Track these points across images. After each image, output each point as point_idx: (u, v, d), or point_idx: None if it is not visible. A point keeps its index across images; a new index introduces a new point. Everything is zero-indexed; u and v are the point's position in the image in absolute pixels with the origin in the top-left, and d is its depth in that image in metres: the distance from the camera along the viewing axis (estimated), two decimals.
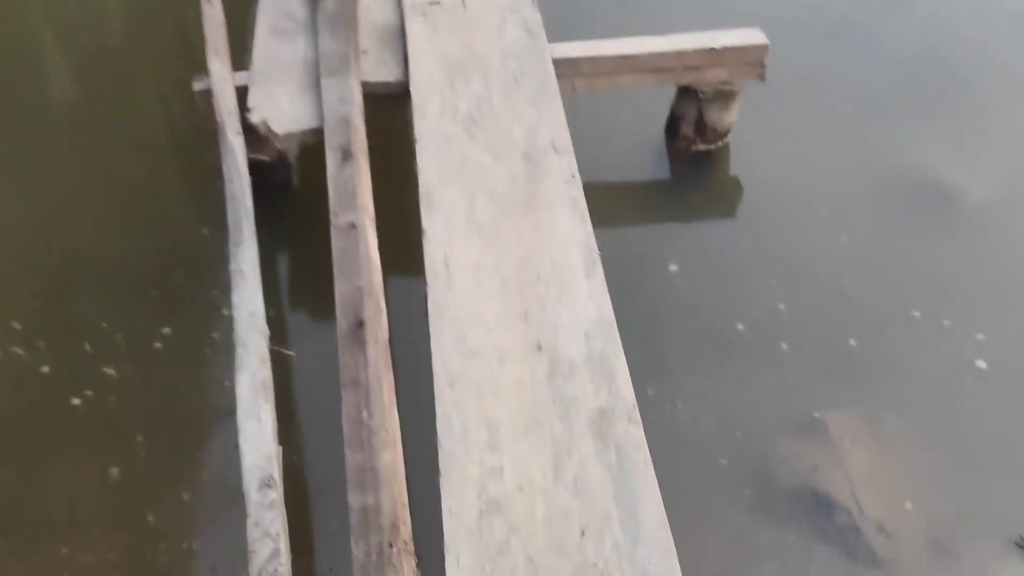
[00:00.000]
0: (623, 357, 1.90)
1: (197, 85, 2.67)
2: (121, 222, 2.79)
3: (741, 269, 2.71)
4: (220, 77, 2.59)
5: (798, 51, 3.45)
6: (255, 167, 2.70)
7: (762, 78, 2.88)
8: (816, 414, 2.19)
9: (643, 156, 3.14)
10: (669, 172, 3.14)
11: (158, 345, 2.39)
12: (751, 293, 2.62)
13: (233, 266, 2.05)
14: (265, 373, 1.81)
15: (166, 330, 2.42)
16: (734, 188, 3.07)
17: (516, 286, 2.04)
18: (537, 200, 2.24)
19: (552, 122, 2.45)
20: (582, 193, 2.26)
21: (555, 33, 2.81)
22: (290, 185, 2.91)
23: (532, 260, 2.10)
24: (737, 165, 3.12)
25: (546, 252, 2.11)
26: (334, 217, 2.14)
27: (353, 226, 2.10)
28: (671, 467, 1.79)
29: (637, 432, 1.77)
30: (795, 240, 2.81)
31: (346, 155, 2.29)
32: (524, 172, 2.31)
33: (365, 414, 1.71)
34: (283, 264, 2.70)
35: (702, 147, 3.04)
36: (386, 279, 2.10)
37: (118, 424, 2.24)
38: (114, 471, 2.16)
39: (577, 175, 2.30)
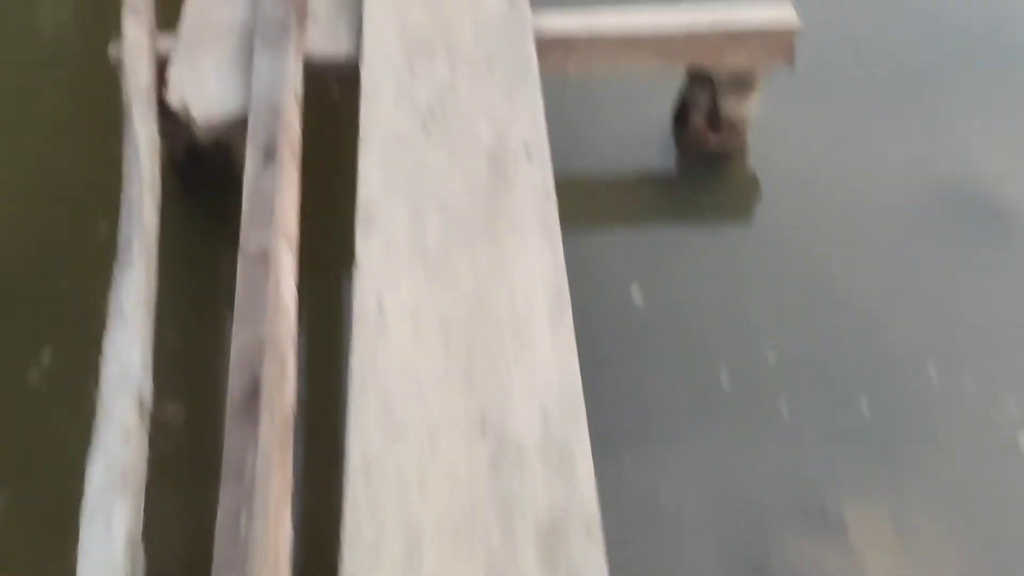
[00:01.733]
0: (587, 443, 1.50)
1: (113, 50, 2.24)
2: None
3: (741, 299, 2.29)
4: (135, 43, 2.15)
5: (830, 18, 2.95)
6: (188, 151, 2.28)
7: (790, 63, 2.41)
8: (829, 504, 1.79)
9: (643, 148, 2.69)
10: (674, 169, 2.69)
11: (33, 376, 2.00)
12: (748, 331, 2.21)
13: (112, 299, 1.65)
14: (129, 457, 1.42)
15: (44, 356, 2.03)
16: (747, 192, 2.62)
17: (463, 336, 1.63)
18: (500, 219, 1.81)
19: (527, 119, 2.01)
20: (556, 213, 1.83)
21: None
22: (234, 177, 2.49)
23: (487, 301, 1.68)
24: (754, 162, 2.67)
25: (505, 291, 1.70)
26: (243, 240, 1.72)
27: (265, 255, 1.69)
28: None
29: (596, 553, 1.37)
30: (812, 263, 2.38)
31: (269, 155, 1.86)
32: (488, 181, 1.88)
33: (243, 521, 1.32)
34: (204, 287, 2.26)
35: (716, 145, 2.58)
36: (304, 326, 1.69)
37: None
38: None
39: (552, 191, 1.87)
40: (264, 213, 1.75)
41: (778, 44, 2.36)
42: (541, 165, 1.92)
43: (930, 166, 2.62)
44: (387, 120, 1.99)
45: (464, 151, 1.92)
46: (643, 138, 2.72)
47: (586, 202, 2.48)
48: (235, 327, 1.60)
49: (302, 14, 2.24)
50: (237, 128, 2.07)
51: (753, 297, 2.31)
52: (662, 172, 2.69)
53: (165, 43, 2.26)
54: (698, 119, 2.55)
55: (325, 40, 2.24)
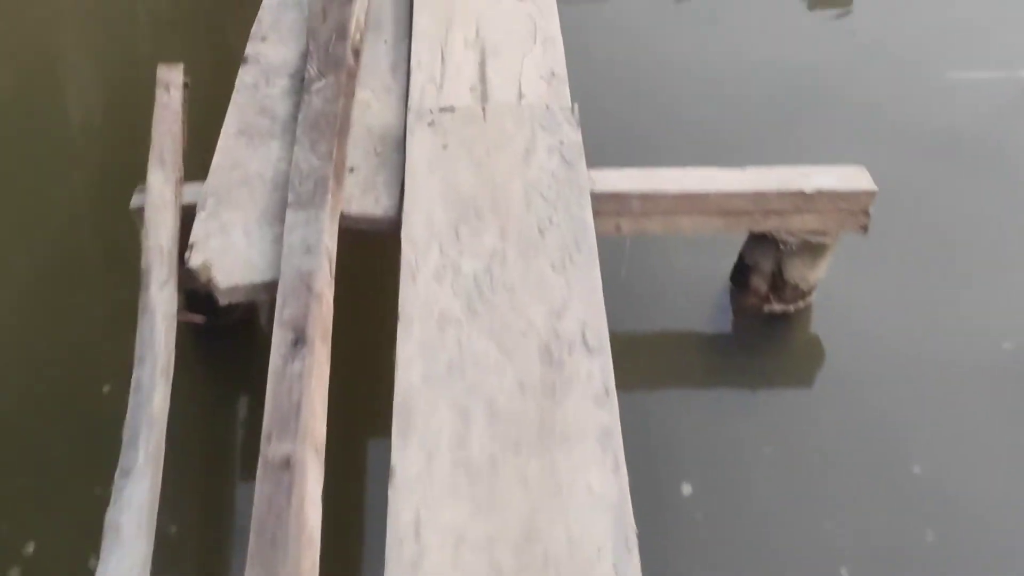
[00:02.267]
0: None
1: (135, 201, 2.08)
2: None
3: (801, 480, 2.06)
4: (159, 197, 1.99)
5: (899, 173, 2.79)
6: (208, 297, 2.10)
7: (865, 230, 2.22)
8: None
9: (696, 305, 2.49)
10: (730, 329, 2.49)
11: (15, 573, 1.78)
12: (812, 524, 1.97)
13: (109, 513, 1.43)
14: None
15: (29, 548, 1.80)
16: (809, 356, 2.41)
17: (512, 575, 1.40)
18: (555, 428, 1.60)
19: (584, 297, 1.81)
20: (617, 419, 1.61)
21: (595, 153, 2.18)
22: (255, 326, 2.30)
23: (540, 531, 1.46)
24: (817, 324, 2.46)
25: (560, 519, 1.47)
26: (265, 443, 1.51)
27: (288, 463, 1.48)
28: None
29: None
30: (881, 439, 2.16)
31: (299, 339, 1.67)
32: (541, 378, 1.67)
33: None
34: (213, 456, 2.05)
35: (778, 308, 2.38)
36: (329, 549, 1.47)
37: None
38: None
39: (612, 388, 1.66)
40: (289, 414, 1.55)
41: (852, 209, 2.18)
42: (600, 353, 1.71)
43: (1003, 330, 2.41)
44: (429, 296, 1.80)
45: (514, 339, 1.72)
46: (696, 294, 2.52)
47: (631, 365, 2.28)
48: (250, 557, 1.38)
49: (340, 168, 2.08)
50: (264, 293, 1.89)
51: (815, 476, 2.09)
52: (717, 333, 2.49)
53: (192, 191, 2.10)
54: (759, 283, 2.36)
55: (364, 196, 2.07)
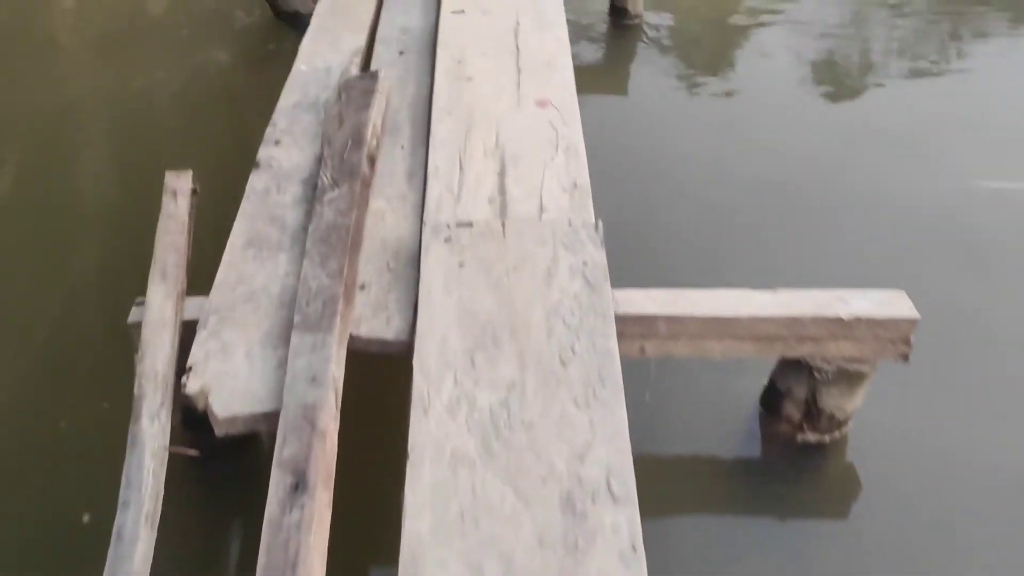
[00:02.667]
0: None
1: (133, 315, 1.97)
2: None
3: None
4: (158, 315, 1.88)
5: (931, 285, 2.67)
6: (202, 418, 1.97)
7: (905, 359, 2.09)
8: None
9: (724, 432, 2.35)
10: (759, 457, 2.33)
11: None
12: None
13: None
14: None
15: None
16: (843, 486, 2.26)
17: None
18: None
19: (610, 440, 1.67)
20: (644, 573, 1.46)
21: (618, 272, 2.07)
22: (258, 447, 2.17)
23: None
24: (854, 454, 2.31)
25: None
26: None
27: None
28: None
29: None
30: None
31: (299, 483, 1.53)
32: (562, 531, 1.52)
33: None
34: None
35: (812, 437, 2.23)
36: None
37: None
38: None
39: (640, 544, 1.51)
40: (285, 570, 1.40)
41: (893, 337, 2.05)
42: (626, 504, 1.57)
43: None
44: (441, 432, 1.67)
45: (533, 485, 1.58)
46: (724, 418, 2.38)
47: (655, 492, 2.12)
48: None
49: (351, 286, 1.97)
50: (264, 424, 1.76)
51: None
52: (745, 460, 2.33)
53: (194, 305, 1.99)
54: (792, 410, 2.22)
55: (375, 318, 1.96)
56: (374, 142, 2.46)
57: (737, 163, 3.47)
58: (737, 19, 4.77)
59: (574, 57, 2.95)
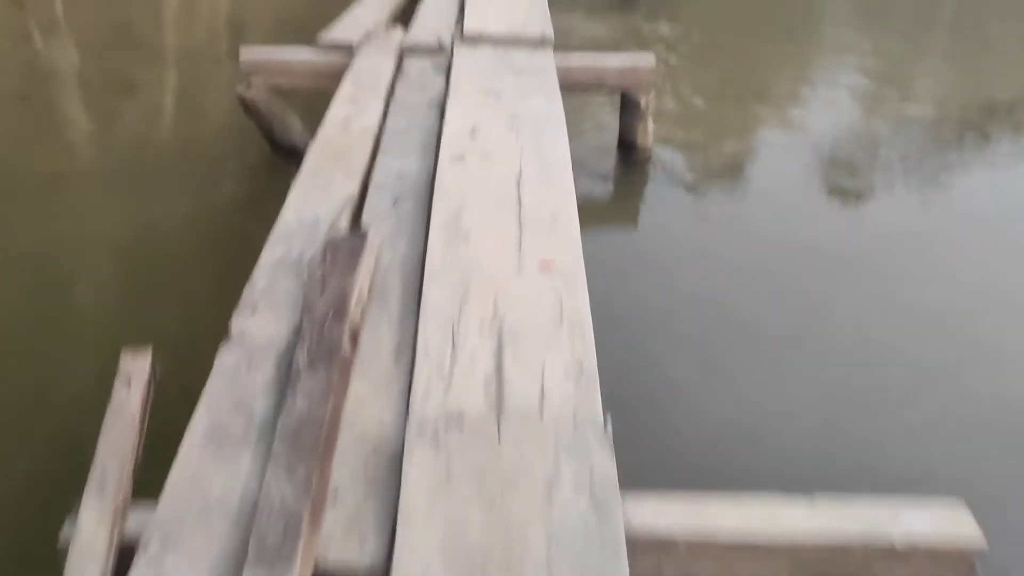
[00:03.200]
0: None
1: (64, 534, 1.69)
2: None
3: None
4: (88, 541, 1.59)
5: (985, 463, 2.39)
6: None
7: None
8: None
9: None
10: None
11: None
12: None
13: None
14: None
15: None
16: None
17: None
18: None
19: None
20: None
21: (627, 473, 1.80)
22: None
23: None
24: None
25: None
26: None
27: None
28: None
29: None
30: None
31: None
32: None
33: None
34: None
35: None
36: None
37: None
38: None
39: None
40: None
41: (954, 566, 1.75)
42: None
43: None
44: None
45: None
46: None
47: None
48: None
49: (320, 499, 1.69)
50: None
51: None
52: None
53: (138, 520, 1.71)
54: None
55: (347, 538, 1.67)
56: (359, 313, 2.23)
57: (746, 303, 3.25)
58: (746, 151, 4.63)
59: (581, 191, 2.77)
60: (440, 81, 3.79)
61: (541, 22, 4.36)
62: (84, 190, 4.17)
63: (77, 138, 4.72)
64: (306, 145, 4.25)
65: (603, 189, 4.33)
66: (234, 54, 4.32)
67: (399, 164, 3.07)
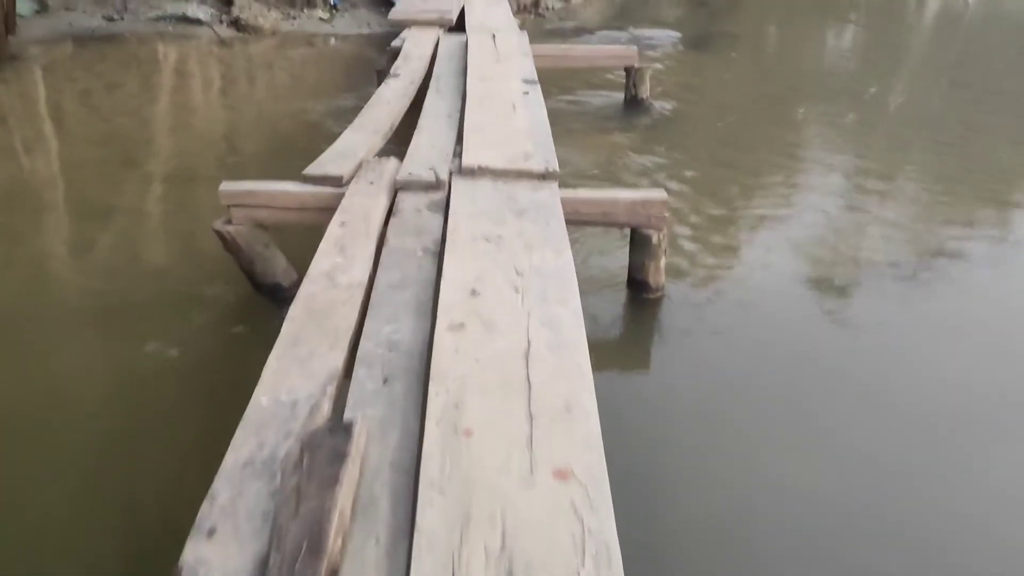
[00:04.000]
0: None
1: None
2: None
3: None
4: None
5: None
6: None
7: None
8: None
9: None
10: None
11: None
12: None
13: None
14: None
15: None
16: None
17: None
18: None
19: None
20: None
21: None
22: None
23: None
24: None
25: None
26: None
27: None
28: None
29: None
30: None
31: None
32: None
33: None
34: None
35: None
36: None
37: None
38: None
39: None
40: None
41: None
42: None
43: None
44: None
45: None
46: None
47: None
48: None
49: None
50: None
51: None
52: None
53: None
54: None
55: None
56: (338, 544, 1.85)
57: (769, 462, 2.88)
58: (760, 287, 4.31)
59: (592, 334, 2.45)
60: (437, 222, 3.49)
61: (544, 153, 4.08)
62: (47, 334, 3.81)
63: (44, 272, 4.38)
64: (292, 285, 3.96)
65: (613, 331, 3.99)
66: (227, 175, 4.03)
67: (390, 330, 2.73)
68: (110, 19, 9.17)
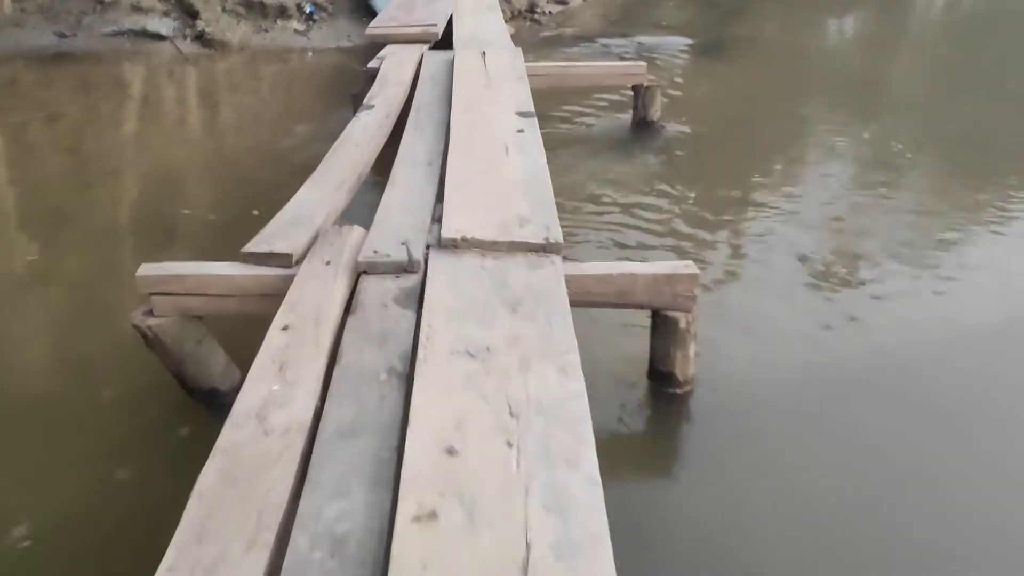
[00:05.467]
0: None
1: None
2: None
3: None
4: None
5: None
6: None
7: None
8: None
9: None
10: None
11: None
12: None
13: None
14: None
15: None
16: None
17: None
18: None
19: None
20: None
21: None
22: None
23: None
24: None
25: None
26: None
27: None
28: None
29: None
30: None
31: None
32: None
33: None
34: None
35: None
36: None
37: None
38: None
39: None
40: None
41: None
42: None
43: None
44: None
45: None
46: None
47: None
48: None
49: None
50: None
51: None
52: None
53: None
54: None
55: None
56: None
57: None
58: (790, 384, 3.52)
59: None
60: (407, 323, 2.72)
61: (544, 216, 3.29)
62: None
63: None
64: (231, 389, 3.20)
65: (622, 451, 3.20)
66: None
67: (335, 512, 1.96)
68: (62, 35, 8.37)
